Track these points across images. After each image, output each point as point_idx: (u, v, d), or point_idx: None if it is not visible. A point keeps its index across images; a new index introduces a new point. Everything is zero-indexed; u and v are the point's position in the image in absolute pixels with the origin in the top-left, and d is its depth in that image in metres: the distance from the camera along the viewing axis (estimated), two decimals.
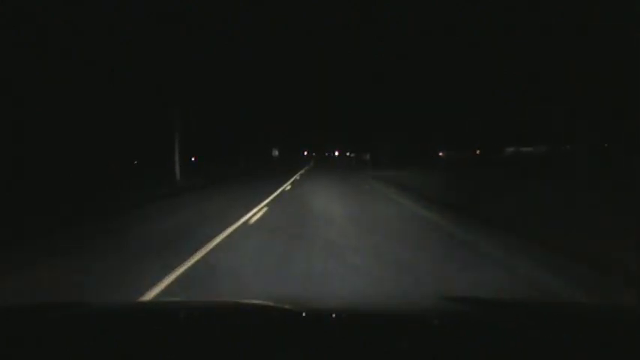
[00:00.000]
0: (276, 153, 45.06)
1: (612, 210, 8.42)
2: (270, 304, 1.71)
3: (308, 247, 6.30)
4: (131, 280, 4.88)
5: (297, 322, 1.38)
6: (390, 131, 39.60)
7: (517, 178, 18.29)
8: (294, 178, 24.45)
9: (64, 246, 7.21)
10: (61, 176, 20.88)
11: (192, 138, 30.05)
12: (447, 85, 27.78)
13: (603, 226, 6.71)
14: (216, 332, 1.25)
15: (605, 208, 8.62)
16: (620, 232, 6.23)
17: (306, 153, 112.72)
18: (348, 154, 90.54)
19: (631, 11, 12.25)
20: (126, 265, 5.62)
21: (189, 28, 21.82)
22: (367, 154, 42.01)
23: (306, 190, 16.42)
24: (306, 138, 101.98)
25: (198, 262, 5.64)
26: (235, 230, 7.96)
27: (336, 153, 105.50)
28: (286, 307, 1.63)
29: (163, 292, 4.40)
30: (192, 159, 37.47)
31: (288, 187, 17.80)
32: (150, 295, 4.31)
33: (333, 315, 1.51)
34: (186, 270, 5.23)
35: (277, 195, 14.60)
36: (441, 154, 47.01)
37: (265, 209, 10.84)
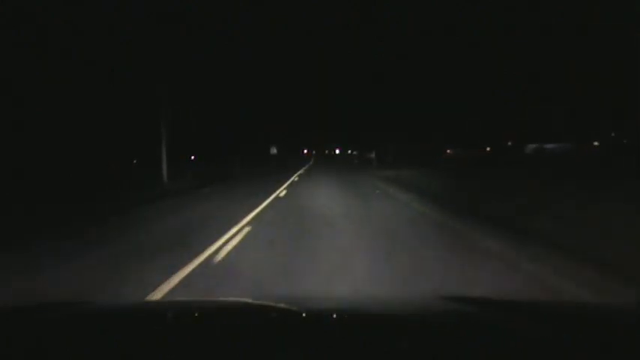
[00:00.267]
0: (274, 151, 44.82)
1: None
2: (270, 304, 1.71)
3: None
4: None
5: (297, 322, 1.38)
6: (390, 131, 39.77)
7: (551, 179, 15.81)
8: (292, 179, 22.23)
9: None
10: (60, 176, 20.87)
11: (193, 138, 30.12)
12: (447, 85, 27.88)
13: None
14: (216, 332, 1.25)
15: None
16: None
17: (306, 151, 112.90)
18: (350, 152, 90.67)
19: (631, 11, 12.28)
20: None
21: (189, 28, 21.83)
22: (372, 152, 41.24)
23: (304, 201, 12.33)
24: (306, 138, 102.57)
25: None
26: (188, 277, 4.64)
27: (337, 151, 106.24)
28: (286, 307, 1.62)
29: None
30: (192, 157, 37.46)
31: (283, 193, 14.50)
32: None
33: (333, 315, 1.51)
34: None
35: (268, 204, 11.31)
36: (449, 151, 46.83)
37: (247, 229, 7.54)
